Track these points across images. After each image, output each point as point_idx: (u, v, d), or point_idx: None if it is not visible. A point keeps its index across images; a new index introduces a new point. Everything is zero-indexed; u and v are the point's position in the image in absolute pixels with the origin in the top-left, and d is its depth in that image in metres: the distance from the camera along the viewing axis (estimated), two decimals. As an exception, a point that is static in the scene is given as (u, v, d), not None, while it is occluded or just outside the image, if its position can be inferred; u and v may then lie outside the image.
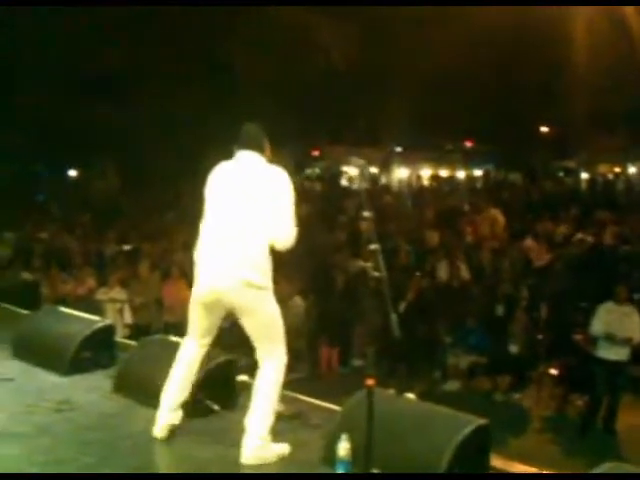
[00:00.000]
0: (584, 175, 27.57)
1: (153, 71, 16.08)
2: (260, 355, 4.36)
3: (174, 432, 4.53)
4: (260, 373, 4.34)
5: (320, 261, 12.80)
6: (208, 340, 4.56)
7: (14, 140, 16.42)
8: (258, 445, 4.22)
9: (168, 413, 4.49)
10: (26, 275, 11.98)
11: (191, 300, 4.49)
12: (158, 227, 15.26)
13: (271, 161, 4.47)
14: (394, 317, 3.57)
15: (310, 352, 11.42)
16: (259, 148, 4.44)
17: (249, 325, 4.32)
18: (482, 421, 3.99)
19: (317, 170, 30.39)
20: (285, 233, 4.26)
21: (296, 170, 24.88)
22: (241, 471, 4.14)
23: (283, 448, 4.37)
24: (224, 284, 4.24)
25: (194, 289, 4.45)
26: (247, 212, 4.26)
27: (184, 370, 4.52)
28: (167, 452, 4.41)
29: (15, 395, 5.41)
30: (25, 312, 8.04)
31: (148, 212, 16.40)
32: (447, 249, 12.92)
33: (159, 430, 4.48)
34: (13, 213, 14.96)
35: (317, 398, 5.45)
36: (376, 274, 3.62)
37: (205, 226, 4.43)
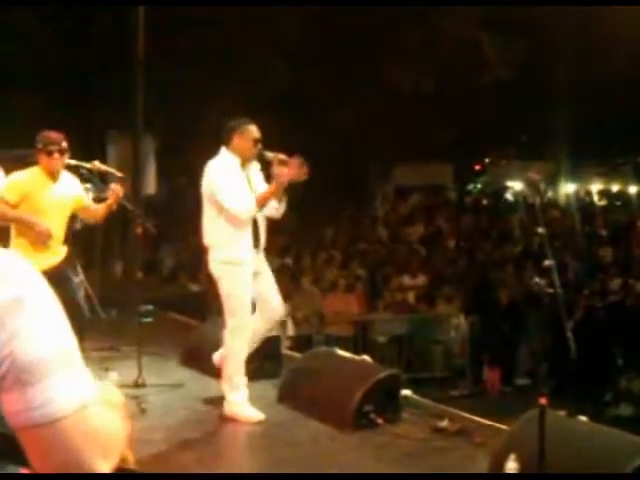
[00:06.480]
0: None
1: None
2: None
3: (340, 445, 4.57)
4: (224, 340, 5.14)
5: (483, 278, 12.51)
6: None
7: None
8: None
9: None
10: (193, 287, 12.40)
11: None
12: (319, 241, 15.38)
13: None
14: (570, 335, 3.40)
15: (473, 370, 11.21)
16: None
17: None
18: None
19: (479, 185, 29.80)
20: None
21: (457, 184, 24.51)
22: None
23: None
24: None
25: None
26: None
27: None
28: (329, 463, 4.41)
29: (184, 401, 5.61)
30: (193, 322, 8.32)
31: (309, 225, 16.41)
32: (620, 266, 12.31)
33: None
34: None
35: (479, 416, 5.31)
36: (550, 291, 3.45)
37: None
